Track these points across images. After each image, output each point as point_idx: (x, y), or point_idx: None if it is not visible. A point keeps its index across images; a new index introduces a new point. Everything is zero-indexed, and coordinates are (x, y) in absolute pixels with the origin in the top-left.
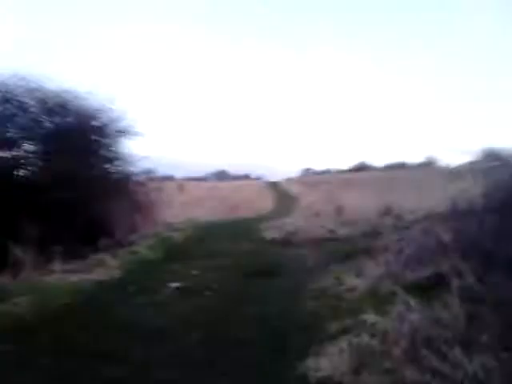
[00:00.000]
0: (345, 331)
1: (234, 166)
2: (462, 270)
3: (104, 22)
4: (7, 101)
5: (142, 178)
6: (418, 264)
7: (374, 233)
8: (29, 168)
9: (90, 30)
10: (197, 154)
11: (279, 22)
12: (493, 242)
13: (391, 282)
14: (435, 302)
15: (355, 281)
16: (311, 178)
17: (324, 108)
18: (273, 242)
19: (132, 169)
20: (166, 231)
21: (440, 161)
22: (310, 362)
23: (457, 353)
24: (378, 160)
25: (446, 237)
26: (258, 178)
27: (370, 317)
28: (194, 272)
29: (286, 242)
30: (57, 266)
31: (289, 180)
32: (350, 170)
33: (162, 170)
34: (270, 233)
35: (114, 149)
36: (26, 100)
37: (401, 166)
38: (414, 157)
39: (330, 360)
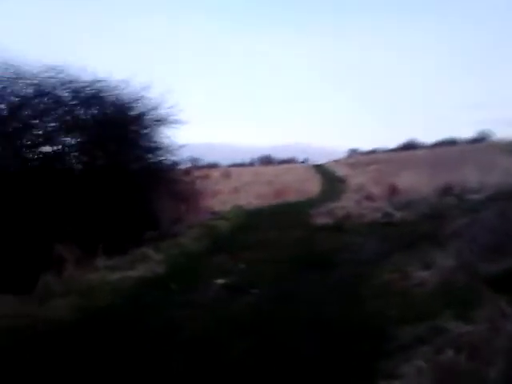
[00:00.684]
0: (419, 340)
1: (280, 149)
2: None
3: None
4: (42, 94)
5: (186, 167)
6: (497, 254)
7: (437, 215)
8: (69, 162)
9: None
10: (242, 139)
11: (321, 13)
12: None
13: (467, 275)
14: None
15: (423, 273)
16: (358, 159)
17: (368, 86)
18: (324, 228)
19: (174, 158)
20: (212, 220)
21: (494, 135)
22: None
23: None
24: (427, 137)
25: None
26: (303, 162)
27: (450, 323)
28: (242, 265)
29: (339, 227)
30: (100, 262)
31: (335, 162)
32: (398, 149)
33: (208, 158)
34: (321, 218)
35: (154, 138)
36: (60, 93)
37: (451, 143)
38: (464, 132)
39: None
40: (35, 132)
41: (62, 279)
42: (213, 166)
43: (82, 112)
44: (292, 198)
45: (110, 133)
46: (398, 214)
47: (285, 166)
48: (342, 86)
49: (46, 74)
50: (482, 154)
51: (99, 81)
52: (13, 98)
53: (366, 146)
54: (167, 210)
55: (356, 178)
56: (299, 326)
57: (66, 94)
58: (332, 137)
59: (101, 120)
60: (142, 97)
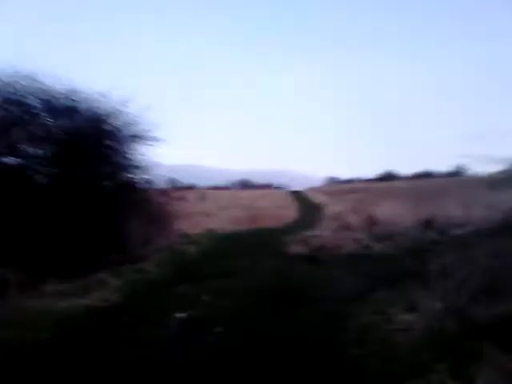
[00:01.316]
0: None
1: (259, 173)
2: None
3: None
4: (11, 103)
5: (161, 187)
6: (490, 296)
7: (419, 250)
8: (32, 175)
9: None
10: (220, 163)
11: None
12: None
13: (456, 320)
14: None
15: (407, 317)
16: (336, 187)
17: (346, 117)
18: (299, 257)
19: (149, 177)
20: (180, 244)
21: (470, 170)
22: None
23: None
24: (404, 169)
25: None
26: (281, 187)
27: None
28: (205, 297)
29: (313, 258)
30: (49, 287)
31: (313, 189)
32: (376, 179)
33: (186, 179)
34: (295, 247)
35: (128, 155)
36: (31, 102)
37: (428, 175)
38: (440, 166)
39: None
40: None
41: (2, 306)
42: (190, 187)
43: (52, 123)
44: (268, 224)
45: (80, 146)
46: (377, 247)
47: (262, 190)
48: (325, 114)
49: (16, 82)
50: (461, 188)
51: (74, 91)
52: None
53: (343, 174)
54: (135, 231)
55: (333, 207)
56: (268, 381)
57: (37, 104)
58: (310, 164)
59: (72, 132)
60: (119, 111)
